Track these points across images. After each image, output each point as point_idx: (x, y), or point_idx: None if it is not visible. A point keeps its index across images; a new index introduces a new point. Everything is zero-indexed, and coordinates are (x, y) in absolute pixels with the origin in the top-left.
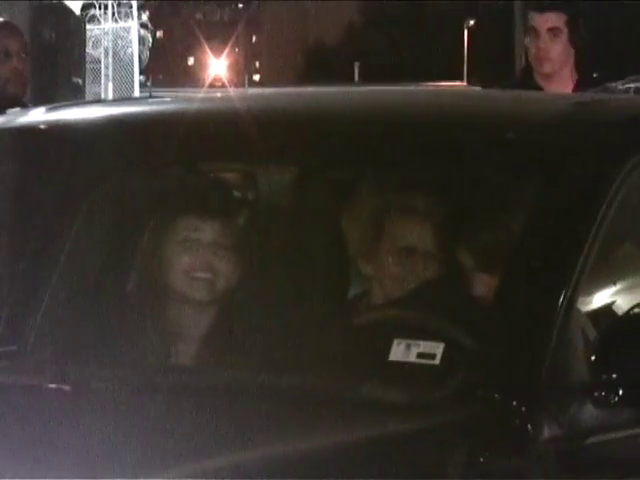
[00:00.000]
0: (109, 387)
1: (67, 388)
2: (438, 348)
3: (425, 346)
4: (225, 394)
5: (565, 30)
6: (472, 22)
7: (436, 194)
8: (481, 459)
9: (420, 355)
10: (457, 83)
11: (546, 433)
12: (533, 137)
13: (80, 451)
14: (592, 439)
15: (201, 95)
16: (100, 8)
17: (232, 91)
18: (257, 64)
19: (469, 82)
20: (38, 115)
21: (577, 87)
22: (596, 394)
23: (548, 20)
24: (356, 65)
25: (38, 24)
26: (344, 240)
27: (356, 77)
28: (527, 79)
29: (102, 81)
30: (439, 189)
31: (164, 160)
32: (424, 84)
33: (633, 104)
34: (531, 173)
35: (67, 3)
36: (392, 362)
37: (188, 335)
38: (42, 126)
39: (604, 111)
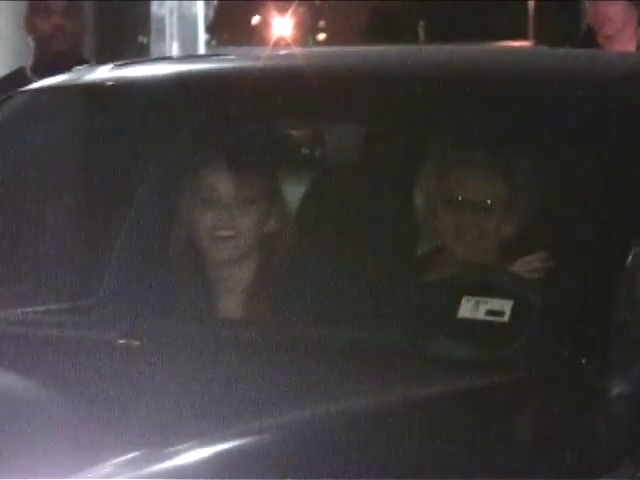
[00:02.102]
0: (172, 341)
1: (135, 343)
2: (507, 305)
3: (494, 303)
4: (292, 349)
5: None
6: None
7: (504, 151)
8: (549, 417)
9: (489, 312)
10: (523, 42)
11: (614, 390)
12: (602, 95)
13: (148, 406)
14: None
15: (267, 53)
16: None
17: (297, 49)
18: (322, 23)
19: (535, 41)
20: (104, 72)
21: None
22: None
23: None
24: (421, 24)
25: None
26: (412, 197)
27: (421, 36)
28: (589, 40)
29: (167, 40)
30: (507, 146)
31: (227, 117)
32: (490, 43)
33: None
34: (602, 131)
35: None
36: (461, 319)
37: (235, 290)
38: (109, 83)
39: None
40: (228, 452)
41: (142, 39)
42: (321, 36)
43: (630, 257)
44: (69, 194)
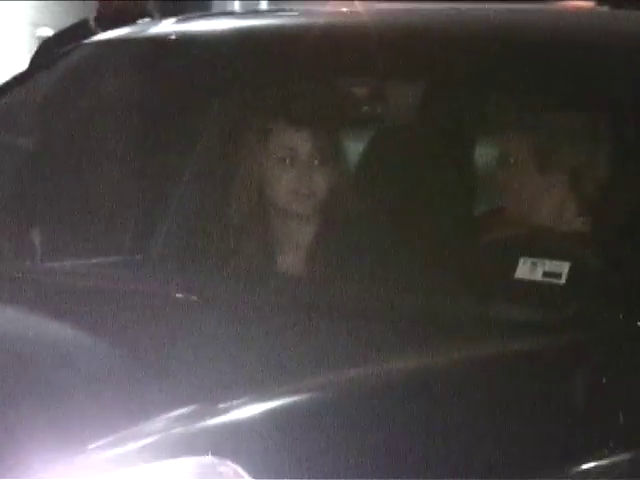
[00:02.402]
0: (230, 297)
1: (190, 297)
2: (564, 267)
3: (551, 265)
4: (351, 311)
5: None
6: None
7: (572, 116)
8: (605, 378)
9: (546, 274)
10: (585, 2)
11: None
12: None
13: (203, 360)
14: None
15: (329, 9)
16: None
17: (359, 6)
18: None
19: (598, 2)
20: (168, 26)
21: None
22: None
23: None
24: None
25: None
26: (471, 158)
27: None
28: None
29: None
30: (575, 111)
31: (290, 74)
32: (552, 2)
33: None
34: None
35: None
36: (518, 280)
37: (290, 249)
38: (172, 37)
39: None
40: (281, 409)
41: None
42: None
43: None
44: (130, 147)
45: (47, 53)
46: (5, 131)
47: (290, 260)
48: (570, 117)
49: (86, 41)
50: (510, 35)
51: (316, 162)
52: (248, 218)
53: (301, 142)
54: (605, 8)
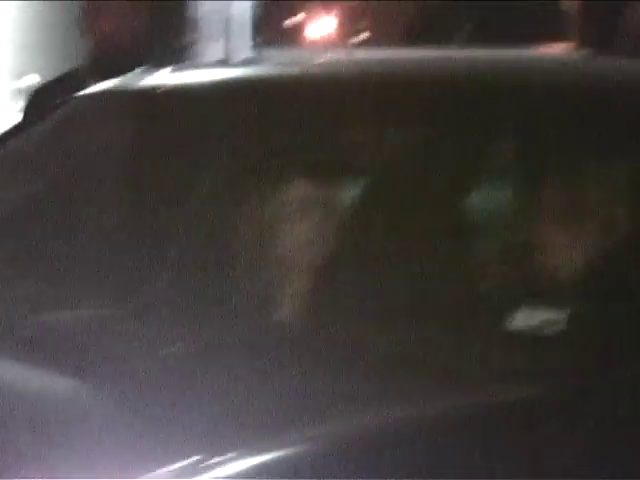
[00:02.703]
0: (227, 347)
1: (190, 347)
2: (561, 316)
3: (548, 314)
4: (356, 358)
5: None
6: None
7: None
8: (594, 428)
9: (543, 322)
10: (568, 44)
11: None
12: None
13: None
14: None
15: (322, 59)
16: None
17: (343, 52)
18: (364, 23)
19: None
20: (163, 77)
21: None
22: None
23: None
24: (464, 24)
25: None
26: (471, 206)
27: (465, 39)
28: None
29: (214, 39)
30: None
31: (281, 124)
32: (535, 46)
33: None
34: None
35: None
36: (515, 328)
37: (292, 299)
38: (167, 89)
39: None
40: (272, 462)
41: (191, 38)
42: (363, 35)
43: None
44: (123, 198)
45: (39, 105)
46: None
47: (290, 311)
48: (567, 166)
49: (78, 94)
50: (494, 82)
51: (319, 212)
52: (248, 269)
53: (305, 192)
54: (586, 51)
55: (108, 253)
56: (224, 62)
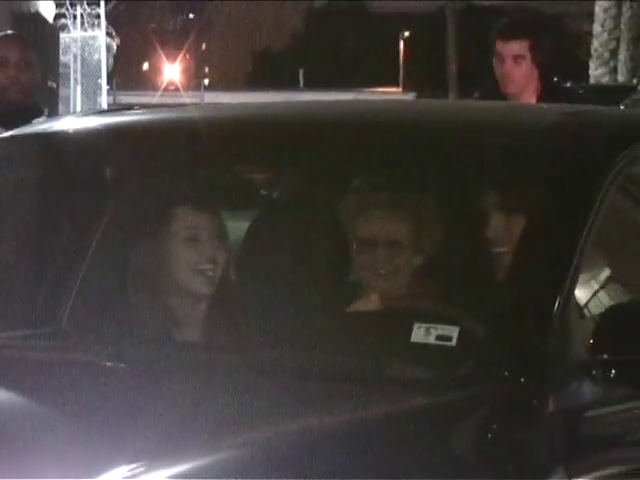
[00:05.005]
0: (157, 364)
1: (121, 365)
2: (454, 331)
3: (443, 329)
4: (254, 372)
5: (528, 55)
6: (407, 33)
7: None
8: (491, 432)
9: (439, 337)
10: (394, 89)
11: (550, 407)
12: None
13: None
14: (590, 412)
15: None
16: (70, 18)
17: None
18: (207, 69)
19: (404, 89)
20: (69, 123)
21: (540, 97)
22: (594, 372)
23: (512, 48)
24: (301, 72)
25: (19, 31)
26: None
27: (301, 83)
28: (497, 91)
29: (71, 84)
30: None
31: (190, 162)
32: (365, 90)
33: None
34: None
35: (41, 12)
36: (413, 343)
37: (188, 323)
38: (71, 131)
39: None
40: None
41: (52, 84)
42: (206, 81)
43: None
44: (33, 234)
45: None
46: None
47: (189, 332)
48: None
49: None
50: (369, 124)
51: (213, 242)
52: (149, 295)
53: (200, 223)
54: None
55: (23, 280)
56: (129, 108)
